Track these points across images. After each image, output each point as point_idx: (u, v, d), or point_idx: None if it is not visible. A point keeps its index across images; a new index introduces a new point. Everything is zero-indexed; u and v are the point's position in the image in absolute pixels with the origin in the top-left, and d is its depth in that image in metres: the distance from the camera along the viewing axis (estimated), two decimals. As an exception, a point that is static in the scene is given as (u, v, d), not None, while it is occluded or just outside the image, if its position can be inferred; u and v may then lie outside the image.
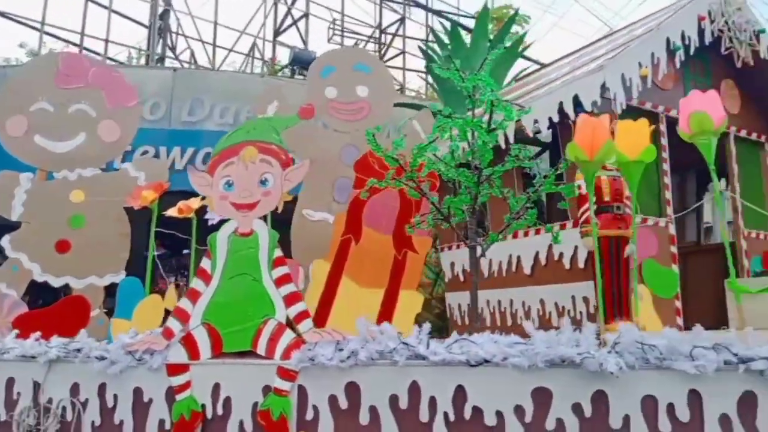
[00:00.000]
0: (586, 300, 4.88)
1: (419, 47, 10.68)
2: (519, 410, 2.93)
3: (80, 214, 5.05)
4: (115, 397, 3.55)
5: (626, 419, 2.81)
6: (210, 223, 4.31)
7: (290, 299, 3.49)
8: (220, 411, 3.36)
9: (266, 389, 3.29)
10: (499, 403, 2.96)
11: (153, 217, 4.73)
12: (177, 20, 14.51)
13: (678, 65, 5.47)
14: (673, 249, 5.16)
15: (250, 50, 15.67)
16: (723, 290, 5.03)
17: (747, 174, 6.07)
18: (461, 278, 6.25)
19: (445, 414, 3.01)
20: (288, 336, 3.37)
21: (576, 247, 4.92)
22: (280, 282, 3.52)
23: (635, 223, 3.69)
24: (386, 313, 4.58)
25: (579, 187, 4.48)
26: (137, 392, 3.52)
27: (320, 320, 4.41)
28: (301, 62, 12.02)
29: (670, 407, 2.77)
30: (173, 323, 3.52)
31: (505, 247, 5.67)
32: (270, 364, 3.33)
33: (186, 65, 14.51)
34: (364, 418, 3.13)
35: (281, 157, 3.65)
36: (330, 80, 5.92)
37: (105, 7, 12.65)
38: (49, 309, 4.78)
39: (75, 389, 3.66)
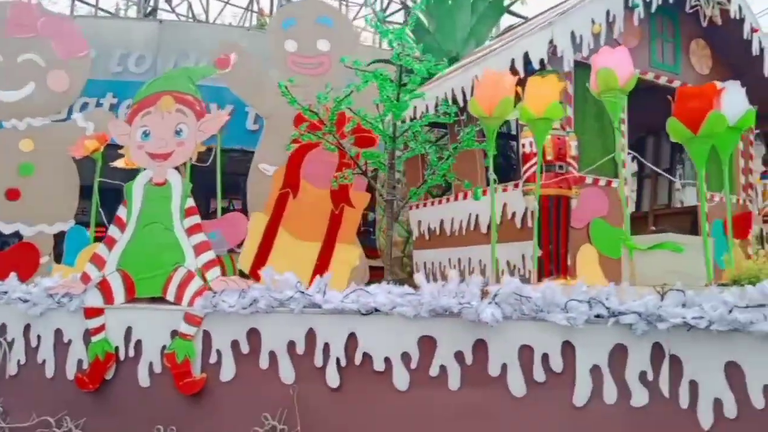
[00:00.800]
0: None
1: (401, 1, 10.45)
2: (406, 357, 3.04)
3: (29, 163, 5.13)
4: (39, 337, 3.72)
5: (504, 367, 2.91)
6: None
7: (200, 248, 3.60)
8: (131, 353, 3.52)
9: (174, 333, 3.43)
10: (387, 350, 3.06)
11: (97, 167, 4.82)
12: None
13: (636, 23, 5.34)
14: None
15: (249, 3, 15.50)
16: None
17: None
18: (427, 237, 6.32)
19: (338, 360, 3.14)
20: (196, 283, 3.49)
21: (527, 208, 4.94)
22: (191, 231, 3.62)
23: (539, 180, 3.69)
24: (322, 265, 4.69)
25: (524, 145, 4.49)
26: (58, 333, 3.69)
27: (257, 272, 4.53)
28: (287, 16, 11.84)
29: (545, 357, 2.86)
30: (90, 269, 3.66)
31: (466, 207, 5.70)
32: (177, 310, 3.46)
33: (182, 18, 14.38)
34: (263, 362, 3.27)
35: (196, 107, 3.69)
36: (290, 33, 5.84)
37: (96, -45, 12.50)
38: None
39: (2, 329, 3.84)
